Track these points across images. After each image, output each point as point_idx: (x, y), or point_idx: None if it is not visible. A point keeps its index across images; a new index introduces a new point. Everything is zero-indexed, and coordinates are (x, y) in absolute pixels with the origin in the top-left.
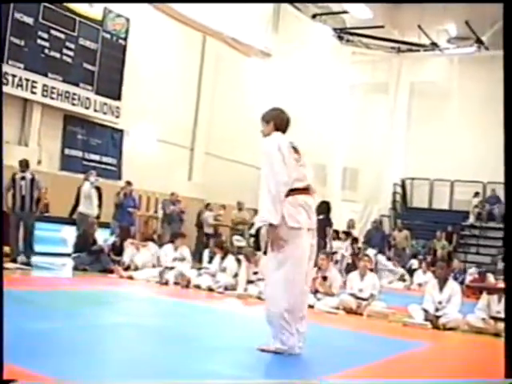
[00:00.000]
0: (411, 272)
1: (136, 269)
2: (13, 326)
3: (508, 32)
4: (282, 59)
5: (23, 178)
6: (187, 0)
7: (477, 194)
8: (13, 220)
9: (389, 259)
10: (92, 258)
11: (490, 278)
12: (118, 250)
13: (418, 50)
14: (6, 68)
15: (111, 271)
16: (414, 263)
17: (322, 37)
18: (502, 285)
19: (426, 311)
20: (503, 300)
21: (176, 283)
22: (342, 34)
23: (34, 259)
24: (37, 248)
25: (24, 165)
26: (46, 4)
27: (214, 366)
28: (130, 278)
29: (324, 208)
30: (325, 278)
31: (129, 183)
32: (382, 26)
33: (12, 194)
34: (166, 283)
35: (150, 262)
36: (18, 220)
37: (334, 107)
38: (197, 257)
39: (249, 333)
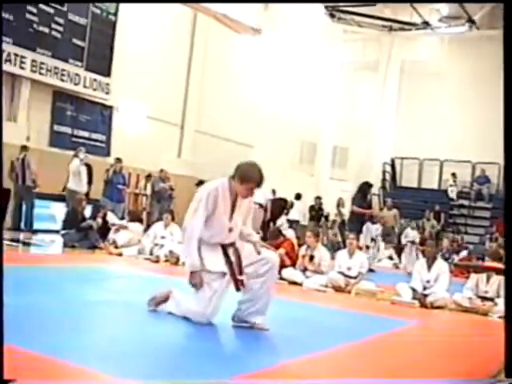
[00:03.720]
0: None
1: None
2: None
3: (508, 32)
4: (272, 36)
5: (18, 160)
6: (186, 0)
7: (453, 174)
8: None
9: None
10: (81, 234)
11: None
12: (105, 227)
13: (410, 29)
14: None
15: (100, 248)
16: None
17: (314, 14)
18: (488, 264)
19: (413, 290)
20: (491, 280)
21: (166, 260)
22: (334, 11)
23: (23, 236)
24: (24, 224)
25: (23, 148)
26: None
27: (196, 343)
28: (120, 254)
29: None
30: (312, 257)
31: (118, 160)
32: (373, 4)
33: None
34: (157, 261)
35: (133, 240)
36: (20, 198)
37: (324, 85)
38: None
39: (233, 309)
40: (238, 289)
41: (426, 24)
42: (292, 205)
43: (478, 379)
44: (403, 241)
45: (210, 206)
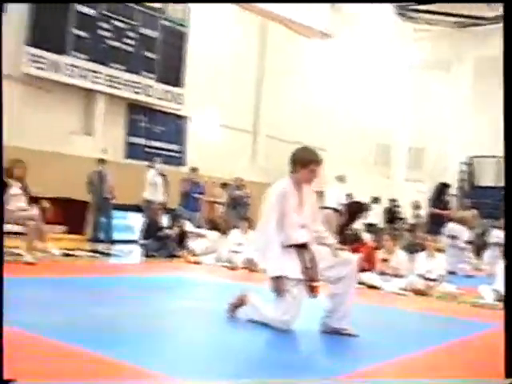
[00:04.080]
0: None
1: (199, 255)
2: (81, 311)
3: (508, 32)
4: (342, 39)
5: (95, 173)
6: (197, 0)
7: None
8: (93, 209)
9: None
10: (159, 244)
11: None
12: (183, 236)
13: (483, 24)
14: (69, 59)
15: (178, 256)
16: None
17: (383, 14)
18: None
19: (496, 291)
20: None
21: (244, 267)
22: (404, 10)
23: (102, 246)
24: (104, 235)
25: (100, 161)
26: None
27: (275, 349)
28: (197, 263)
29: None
30: (386, 260)
31: (194, 169)
32: (445, 0)
33: (92, 187)
34: (235, 268)
35: (210, 248)
36: (98, 209)
37: (396, 85)
38: None
39: (316, 315)
40: (312, 295)
41: (500, 18)
42: (369, 208)
43: (478, 379)
44: (489, 241)
45: (280, 206)
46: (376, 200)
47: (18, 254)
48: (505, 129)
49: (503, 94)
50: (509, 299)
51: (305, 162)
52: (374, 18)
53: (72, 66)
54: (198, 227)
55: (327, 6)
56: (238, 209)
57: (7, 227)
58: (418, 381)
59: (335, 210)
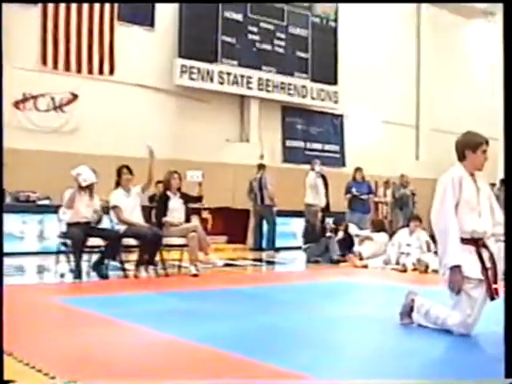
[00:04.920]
0: None
1: (367, 258)
2: (248, 320)
3: (508, 32)
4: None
5: (255, 179)
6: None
7: None
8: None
9: None
10: (322, 248)
11: None
12: (349, 239)
13: None
14: (220, 67)
15: (344, 261)
16: None
17: None
18: None
19: None
20: None
21: (414, 269)
22: None
23: (265, 254)
24: (266, 243)
25: (260, 167)
26: None
27: (457, 354)
28: (365, 266)
29: None
30: None
31: (359, 169)
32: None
33: (253, 194)
34: (404, 270)
35: (378, 251)
36: (259, 217)
37: None
38: None
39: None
40: (492, 298)
41: None
42: None
43: (478, 379)
44: None
45: (457, 190)
46: None
47: (182, 266)
48: (505, 128)
49: (503, 93)
50: (509, 298)
51: (474, 144)
52: None
53: (224, 73)
54: (361, 229)
55: None
56: (404, 208)
57: (169, 240)
58: None
59: None
